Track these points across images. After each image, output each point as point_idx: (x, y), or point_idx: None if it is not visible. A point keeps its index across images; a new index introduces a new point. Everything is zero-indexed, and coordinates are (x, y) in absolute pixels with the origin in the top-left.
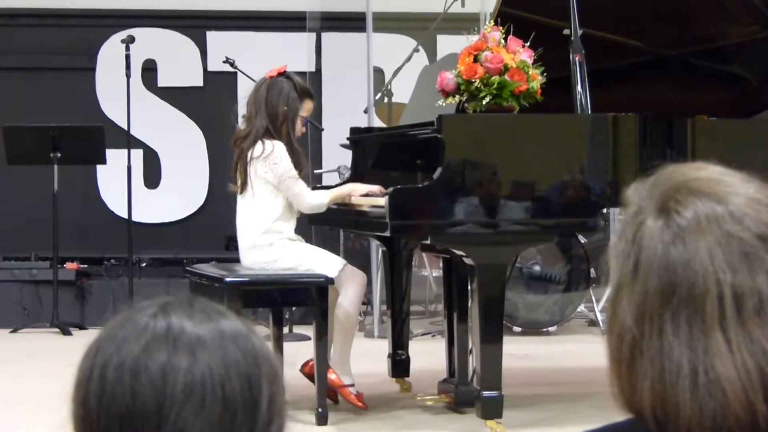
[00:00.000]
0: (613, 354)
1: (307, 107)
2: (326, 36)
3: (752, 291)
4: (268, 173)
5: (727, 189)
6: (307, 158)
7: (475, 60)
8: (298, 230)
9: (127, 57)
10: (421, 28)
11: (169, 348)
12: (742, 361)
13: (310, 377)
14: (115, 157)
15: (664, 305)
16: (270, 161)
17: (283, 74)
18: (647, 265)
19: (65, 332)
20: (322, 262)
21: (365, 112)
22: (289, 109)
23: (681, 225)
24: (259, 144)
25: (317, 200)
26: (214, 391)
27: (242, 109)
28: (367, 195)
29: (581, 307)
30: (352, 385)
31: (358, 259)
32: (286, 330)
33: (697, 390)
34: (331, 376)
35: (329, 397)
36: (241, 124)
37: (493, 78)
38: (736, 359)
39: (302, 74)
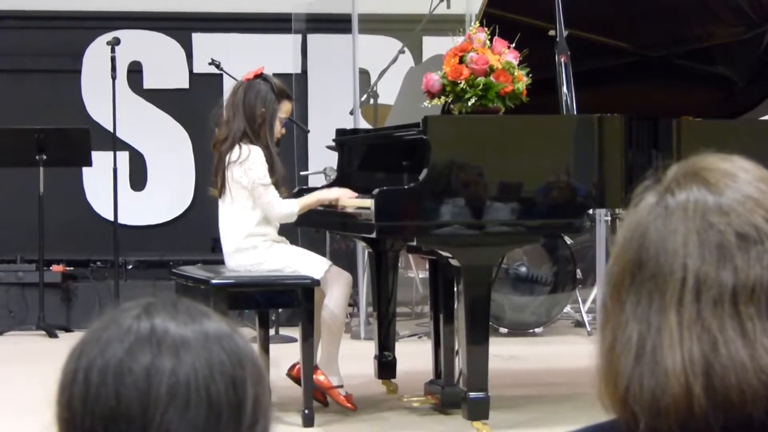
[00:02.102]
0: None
1: (285, 108)
2: (312, 37)
3: (715, 282)
4: (243, 178)
5: (730, 182)
6: (282, 162)
7: (461, 61)
8: (285, 232)
9: (113, 59)
10: (407, 29)
11: (153, 349)
12: (690, 346)
13: (297, 381)
14: (101, 159)
15: (632, 278)
16: (245, 166)
17: (260, 76)
18: (630, 237)
19: (51, 335)
20: (308, 264)
21: (351, 113)
22: (267, 111)
23: (669, 206)
24: (236, 148)
25: (287, 210)
26: (199, 392)
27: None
28: (337, 200)
29: (567, 308)
30: (341, 386)
31: (345, 260)
32: (272, 332)
33: (640, 364)
34: (320, 377)
35: (318, 399)
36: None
37: (478, 79)
38: (684, 342)
39: (288, 76)
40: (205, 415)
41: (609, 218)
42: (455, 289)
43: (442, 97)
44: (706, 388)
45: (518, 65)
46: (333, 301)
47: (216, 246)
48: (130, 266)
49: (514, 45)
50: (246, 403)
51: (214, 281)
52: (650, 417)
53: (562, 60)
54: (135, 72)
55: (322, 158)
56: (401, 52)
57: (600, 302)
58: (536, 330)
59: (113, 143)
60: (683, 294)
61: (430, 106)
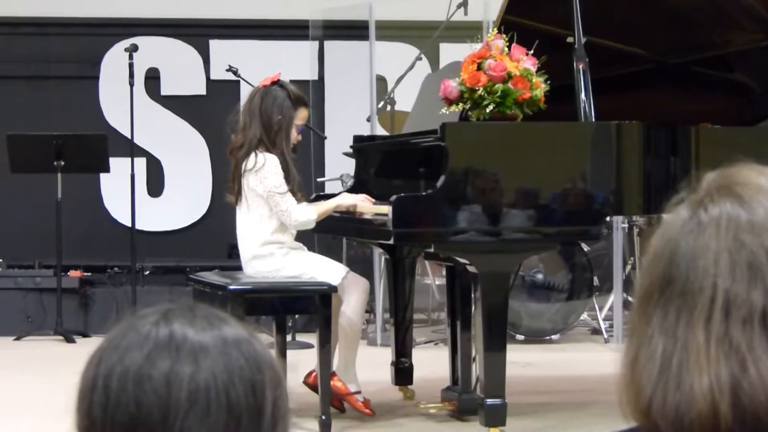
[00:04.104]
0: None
1: (301, 115)
2: (329, 44)
3: (744, 302)
4: (258, 186)
5: (763, 200)
6: (299, 169)
7: (479, 68)
8: (302, 238)
9: (131, 65)
10: (424, 36)
11: (171, 356)
12: (717, 364)
13: (314, 388)
14: (119, 165)
15: (661, 292)
16: (261, 175)
17: (276, 83)
18: (661, 250)
19: (69, 340)
20: (325, 270)
21: (368, 120)
22: (283, 118)
23: (702, 221)
24: (252, 156)
25: (304, 217)
26: (219, 397)
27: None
28: (354, 207)
29: (584, 316)
30: (359, 392)
31: (361, 267)
32: (289, 338)
33: (664, 378)
34: (337, 384)
35: (335, 406)
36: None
37: (496, 86)
38: (711, 360)
39: (305, 83)
40: (225, 420)
41: (626, 225)
42: (472, 295)
43: (460, 104)
44: (734, 406)
45: (536, 72)
46: (350, 307)
47: (233, 252)
48: (147, 272)
49: (532, 52)
50: (265, 407)
51: (231, 287)
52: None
53: (581, 67)
54: (153, 78)
55: (338, 165)
56: (418, 58)
57: (616, 310)
58: (553, 337)
59: (131, 149)
60: (712, 312)
61: (447, 112)
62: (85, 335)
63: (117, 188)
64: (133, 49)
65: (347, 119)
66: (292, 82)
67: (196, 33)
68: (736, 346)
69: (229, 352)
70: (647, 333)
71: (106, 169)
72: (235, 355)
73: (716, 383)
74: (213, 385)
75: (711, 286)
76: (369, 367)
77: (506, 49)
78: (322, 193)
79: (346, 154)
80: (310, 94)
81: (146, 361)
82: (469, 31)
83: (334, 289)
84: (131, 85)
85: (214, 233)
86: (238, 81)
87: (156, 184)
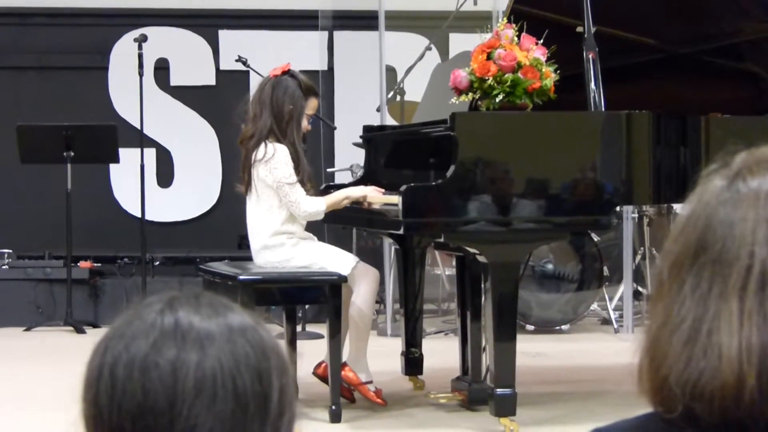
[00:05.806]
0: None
1: (312, 105)
2: (338, 34)
3: None
4: (268, 177)
5: None
6: (309, 160)
7: (488, 58)
8: (312, 228)
9: (140, 56)
10: (434, 26)
11: (177, 344)
12: (749, 334)
13: (323, 379)
14: (128, 156)
15: (695, 259)
16: (270, 165)
17: (287, 72)
18: (695, 217)
19: (79, 330)
20: (335, 260)
21: (378, 110)
22: (294, 108)
23: (740, 191)
24: (262, 146)
25: (313, 208)
26: (225, 385)
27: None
28: (364, 197)
29: (594, 306)
30: (371, 382)
31: (371, 257)
32: (298, 328)
33: (691, 346)
34: (349, 374)
35: (344, 396)
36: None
37: (506, 76)
38: (743, 329)
39: (314, 73)
40: (232, 407)
41: (636, 215)
42: (482, 285)
43: (470, 94)
44: (760, 377)
45: (546, 62)
46: (360, 297)
47: (243, 242)
48: (157, 262)
49: (542, 41)
50: (272, 394)
51: (241, 277)
52: (691, 400)
53: (590, 56)
54: (162, 69)
55: (348, 155)
56: (428, 49)
57: (626, 300)
58: (563, 327)
59: (140, 140)
60: (747, 282)
61: (457, 102)
62: (95, 326)
63: (127, 179)
64: (143, 39)
65: (357, 109)
66: (302, 72)
67: (206, 23)
68: None
69: (234, 340)
70: (677, 300)
71: (116, 160)
72: (241, 342)
73: (746, 353)
74: (219, 373)
75: (748, 255)
76: (379, 358)
77: (516, 38)
78: (332, 183)
79: (356, 144)
80: (319, 84)
81: (152, 349)
82: (478, 21)
83: (344, 279)
84: (140, 75)
85: (224, 224)
86: (248, 71)
87: (166, 175)
